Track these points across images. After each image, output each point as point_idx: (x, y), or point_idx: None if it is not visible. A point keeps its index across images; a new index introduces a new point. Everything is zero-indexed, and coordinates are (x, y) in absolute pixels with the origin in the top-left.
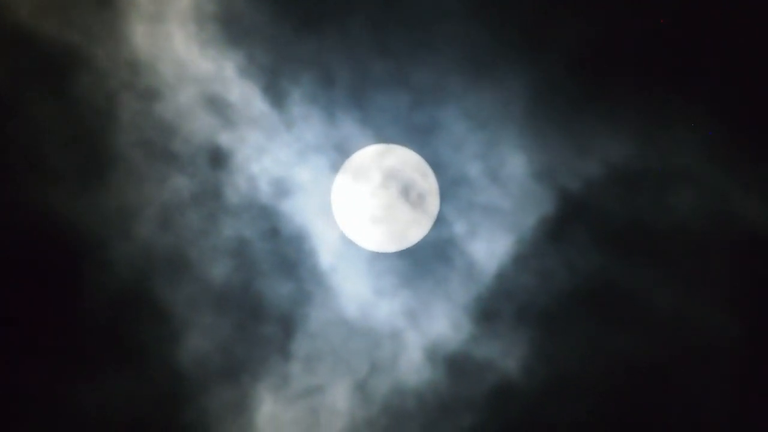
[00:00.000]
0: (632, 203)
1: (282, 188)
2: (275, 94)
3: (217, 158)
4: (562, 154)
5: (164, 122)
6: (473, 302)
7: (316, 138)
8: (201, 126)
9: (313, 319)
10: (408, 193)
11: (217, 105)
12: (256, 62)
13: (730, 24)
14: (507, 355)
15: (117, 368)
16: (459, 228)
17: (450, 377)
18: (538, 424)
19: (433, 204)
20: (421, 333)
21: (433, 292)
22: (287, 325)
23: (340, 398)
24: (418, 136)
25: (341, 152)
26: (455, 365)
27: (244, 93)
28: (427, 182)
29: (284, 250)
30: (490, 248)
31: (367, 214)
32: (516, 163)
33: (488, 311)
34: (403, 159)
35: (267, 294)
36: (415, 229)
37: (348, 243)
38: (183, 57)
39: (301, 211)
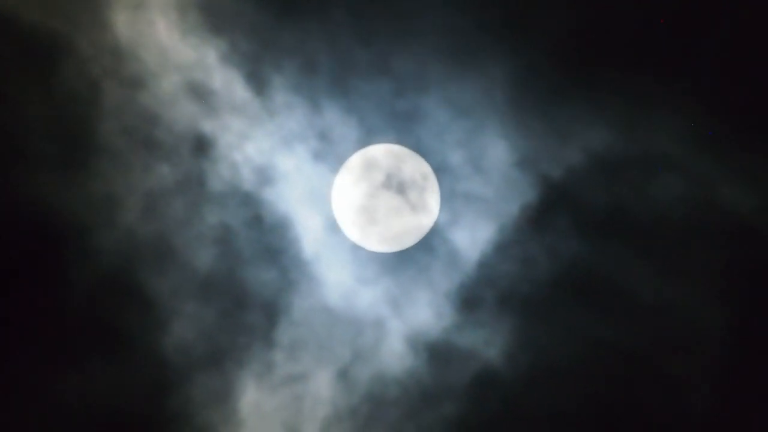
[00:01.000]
0: (614, 191)
1: (265, 176)
2: (258, 82)
3: (201, 146)
4: (544, 142)
5: (147, 110)
6: (456, 290)
7: (299, 126)
8: (184, 114)
9: (296, 307)
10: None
11: (199, 93)
12: (239, 50)
13: (712, 11)
14: (489, 343)
15: (101, 356)
16: (441, 216)
17: (432, 365)
18: (521, 412)
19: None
20: (403, 321)
21: (415, 280)
22: (271, 313)
23: (323, 386)
24: (400, 124)
25: (324, 140)
26: (438, 353)
27: (226, 81)
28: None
29: (267, 238)
30: (472, 236)
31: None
32: (498, 151)
33: (471, 299)
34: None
35: (250, 282)
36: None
37: (331, 231)
38: (165, 44)
39: (284, 199)
